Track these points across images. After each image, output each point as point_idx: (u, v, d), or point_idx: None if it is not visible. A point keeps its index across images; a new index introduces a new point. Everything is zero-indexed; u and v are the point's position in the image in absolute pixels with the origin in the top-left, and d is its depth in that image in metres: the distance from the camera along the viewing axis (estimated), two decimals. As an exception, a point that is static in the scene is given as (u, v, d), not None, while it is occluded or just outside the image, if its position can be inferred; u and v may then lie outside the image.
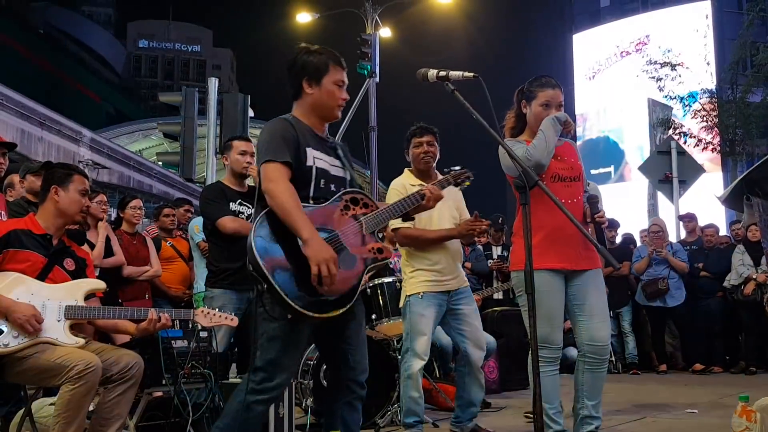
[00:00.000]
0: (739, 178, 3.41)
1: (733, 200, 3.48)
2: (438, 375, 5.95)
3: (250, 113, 9.48)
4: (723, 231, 9.55)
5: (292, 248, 2.53)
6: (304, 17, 17.13)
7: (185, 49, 74.58)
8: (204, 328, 3.85)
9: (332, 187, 2.78)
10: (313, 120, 2.83)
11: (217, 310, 3.57)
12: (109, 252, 5.30)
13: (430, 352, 4.18)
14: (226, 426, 2.65)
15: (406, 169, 4.35)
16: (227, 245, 4.41)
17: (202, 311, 3.51)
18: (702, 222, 8.99)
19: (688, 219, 8.99)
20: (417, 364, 4.04)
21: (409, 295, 4.12)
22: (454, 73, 2.59)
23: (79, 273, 3.39)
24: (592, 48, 30.59)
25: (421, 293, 4.08)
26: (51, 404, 3.30)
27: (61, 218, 3.36)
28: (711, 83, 18.53)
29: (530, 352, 2.58)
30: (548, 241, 3.41)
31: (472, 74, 2.58)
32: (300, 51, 2.83)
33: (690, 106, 17.54)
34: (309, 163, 2.72)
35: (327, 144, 2.87)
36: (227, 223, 4.38)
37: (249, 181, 4.65)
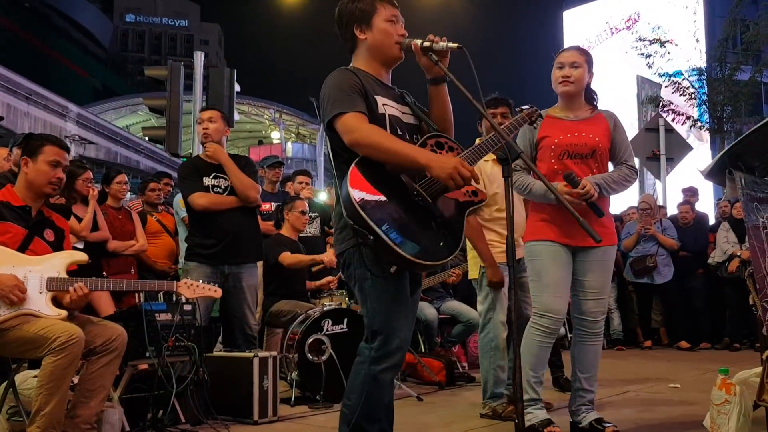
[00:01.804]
0: (721, 152, 3.42)
1: (716, 174, 3.48)
2: (423, 349, 5.98)
3: (237, 88, 9.42)
4: (712, 216, 9.59)
5: (392, 195, 2.39)
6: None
7: (172, 23, 73.66)
8: (187, 301, 3.85)
9: (406, 136, 2.59)
10: (375, 66, 2.63)
11: (200, 281, 3.57)
12: (94, 227, 5.28)
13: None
14: (356, 404, 2.44)
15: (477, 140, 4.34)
16: (202, 220, 4.42)
17: (185, 283, 3.50)
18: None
19: (690, 193, 9.02)
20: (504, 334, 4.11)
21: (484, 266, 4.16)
22: (441, 44, 2.49)
23: (59, 243, 3.37)
24: (583, 24, 30.45)
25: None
26: (34, 377, 3.29)
27: (31, 190, 3.31)
28: (700, 61, 18.49)
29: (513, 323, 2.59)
30: (552, 217, 3.46)
31: (456, 45, 2.48)
32: (342, 1, 2.66)
33: (678, 84, 17.52)
34: (381, 111, 2.54)
35: (393, 91, 2.69)
36: (196, 199, 4.40)
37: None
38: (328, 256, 5.43)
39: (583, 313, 3.52)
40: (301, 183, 6.91)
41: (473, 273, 4.31)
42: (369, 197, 2.34)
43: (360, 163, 2.40)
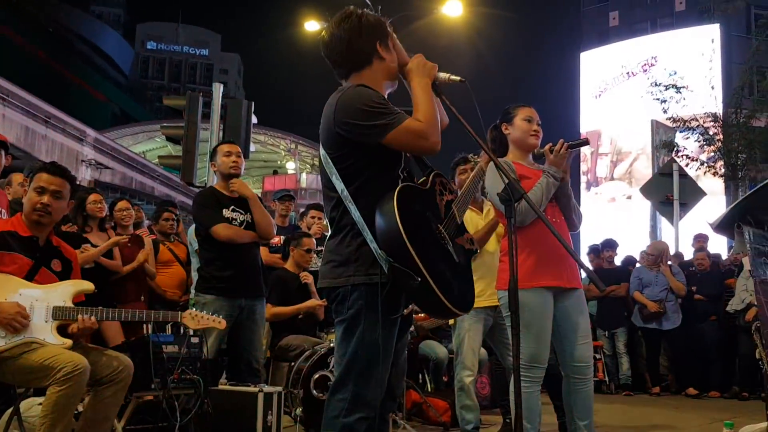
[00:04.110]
0: (731, 206, 3.43)
1: (725, 228, 3.49)
2: (429, 389, 5.95)
3: (254, 120, 9.52)
4: (724, 254, 9.55)
5: (428, 233, 2.27)
6: (312, 26, 17.19)
7: (193, 52, 74.79)
8: (195, 334, 3.87)
9: (410, 163, 2.49)
10: (383, 90, 2.48)
11: (205, 312, 3.58)
12: (109, 255, 5.33)
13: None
14: None
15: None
16: (220, 252, 4.45)
17: (190, 313, 3.51)
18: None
19: (703, 240, 8.99)
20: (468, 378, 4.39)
21: None
22: (441, 75, 2.44)
23: (66, 273, 3.38)
24: (599, 67, 30.65)
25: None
26: (39, 404, 3.30)
27: (26, 218, 3.31)
28: (715, 107, 18.54)
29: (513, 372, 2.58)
30: (541, 259, 3.44)
31: (459, 78, 2.43)
32: (359, 13, 2.47)
33: (701, 135, 17.53)
34: None
35: None
36: (221, 230, 4.41)
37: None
38: (313, 303, 5.35)
39: (579, 360, 3.49)
40: (313, 218, 6.87)
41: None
42: (414, 232, 2.16)
43: (407, 189, 2.25)
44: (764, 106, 17.26)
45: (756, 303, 3.17)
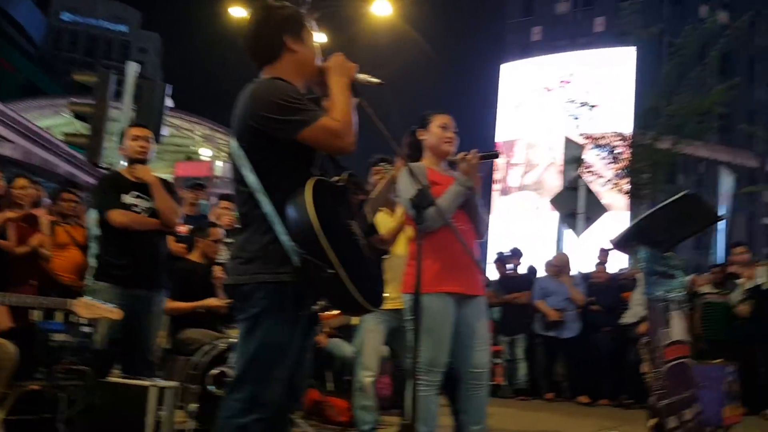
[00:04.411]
0: (630, 225, 3.57)
1: (624, 245, 3.63)
2: (331, 388, 5.92)
3: (170, 103, 9.24)
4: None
5: (342, 227, 2.25)
6: (237, 11, 16.83)
7: (111, 27, 71.99)
8: (88, 323, 3.71)
9: (325, 162, 2.46)
10: (299, 84, 2.42)
11: (99, 300, 3.43)
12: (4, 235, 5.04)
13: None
14: None
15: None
16: (117, 239, 4.28)
17: (84, 301, 3.36)
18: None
19: (604, 254, 9.29)
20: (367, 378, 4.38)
21: None
22: (361, 76, 2.40)
23: None
24: (519, 79, 31.45)
25: None
26: None
27: None
28: (627, 127, 19.32)
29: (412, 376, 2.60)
30: (446, 265, 3.48)
31: (378, 80, 2.42)
32: (270, 5, 2.46)
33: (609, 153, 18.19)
34: None
35: None
36: (116, 216, 4.24)
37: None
38: (212, 303, 5.24)
39: (476, 366, 3.55)
40: (224, 208, 6.71)
41: (354, 319, 4.41)
42: (327, 224, 2.15)
43: (320, 183, 2.24)
44: (669, 129, 18.06)
45: (647, 319, 3.30)
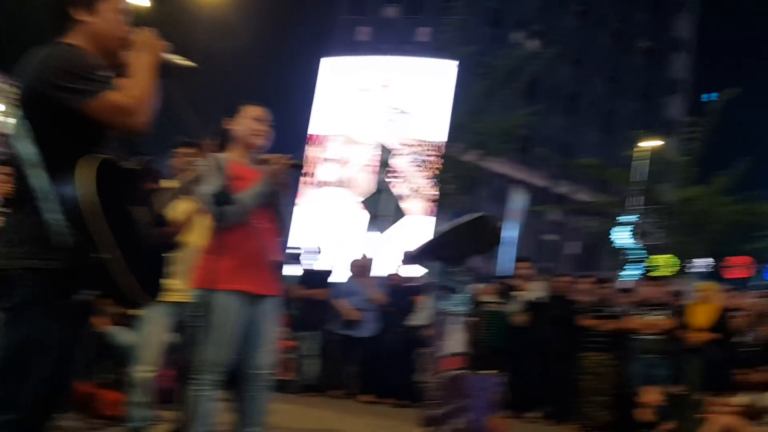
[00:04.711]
0: (425, 242, 3.70)
1: (420, 258, 3.75)
2: (106, 379, 5.55)
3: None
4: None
5: (121, 211, 2.09)
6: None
7: None
8: None
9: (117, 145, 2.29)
10: (99, 54, 2.26)
11: None
12: None
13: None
14: None
15: None
16: None
17: None
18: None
19: (405, 258, 9.55)
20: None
21: None
22: (172, 57, 2.29)
23: None
24: (339, 76, 31.64)
25: None
26: None
27: None
28: (442, 137, 20.23)
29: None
30: (241, 263, 3.40)
31: (191, 63, 2.32)
32: None
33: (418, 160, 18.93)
34: None
35: None
36: None
37: None
38: None
39: (260, 367, 3.50)
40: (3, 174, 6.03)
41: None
42: (109, 207, 2.03)
43: (105, 162, 2.09)
44: (475, 144, 19.20)
45: (432, 329, 3.45)
